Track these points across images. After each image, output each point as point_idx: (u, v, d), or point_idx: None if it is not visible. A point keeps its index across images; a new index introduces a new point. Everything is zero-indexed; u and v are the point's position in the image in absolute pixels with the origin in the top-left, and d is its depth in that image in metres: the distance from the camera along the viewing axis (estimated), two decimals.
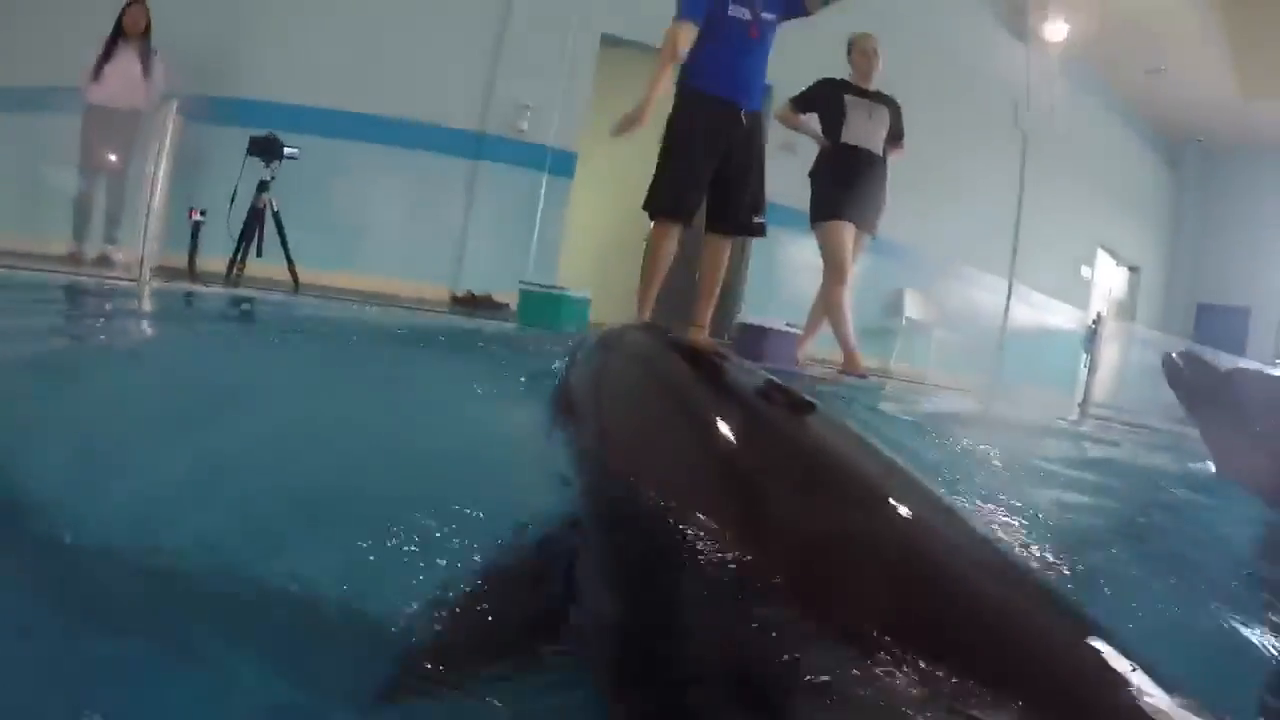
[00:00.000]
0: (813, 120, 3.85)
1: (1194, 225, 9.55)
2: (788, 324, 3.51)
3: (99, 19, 4.47)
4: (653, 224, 3.12)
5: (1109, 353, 6.20)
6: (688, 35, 2.94)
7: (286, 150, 4.26)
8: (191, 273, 4.21)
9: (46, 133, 4.61)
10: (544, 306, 3.54)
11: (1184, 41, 7.78)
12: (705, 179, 3.04)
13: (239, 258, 4.23)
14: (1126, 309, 8.83)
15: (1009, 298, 6.61)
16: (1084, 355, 6.35)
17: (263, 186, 4.25)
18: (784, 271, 5.10)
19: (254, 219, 4.24)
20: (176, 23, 4.66)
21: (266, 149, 4.23)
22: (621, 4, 5.38)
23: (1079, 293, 8.14)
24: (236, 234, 4.18)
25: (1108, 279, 8.66)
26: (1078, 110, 7.93)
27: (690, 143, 3.03)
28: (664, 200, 3.04)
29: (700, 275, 3.25)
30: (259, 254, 4.26)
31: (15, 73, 4.80)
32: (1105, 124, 8.42)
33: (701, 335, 3.24)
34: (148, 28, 4.53)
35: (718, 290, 3.28)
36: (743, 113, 3.05)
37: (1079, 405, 6.30)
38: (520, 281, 3.85)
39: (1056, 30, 7.56)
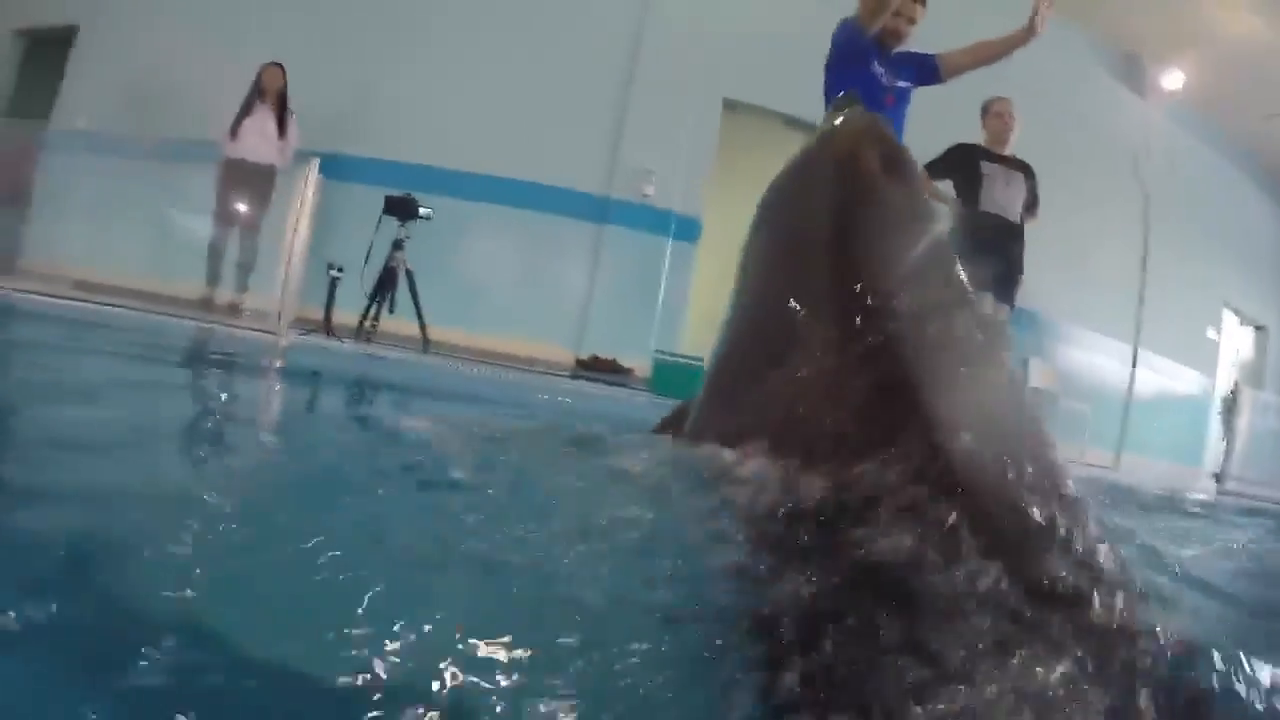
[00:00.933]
0: (947, 187, 3.75)
1: None
2: None
3: (239, 76, 4.78)
4: None
5: (1243, 422, 5.88)
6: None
7: (421, 210, 4.41)
8: (328, 327, 4.37)
9: (183, 182, 4.95)
10: (679, 376, 3.56)
11: None
12: None
13: (372, 313, 4.38)
14: (1254, 371, 8.35)
15: (1134, 364, 6.36)
16: (1220, 425, 6.04)
17: (397, 245, 4.40)
18: None
19: (388, 277, 4.38)
20: (313, 83, 4.94)
21: (402, 209, 4.39)
22: (742, 69, 5.47)
23: (1205, 355, 7.74)
24: (369, 290, 4.33)
25: (1234, 340, 8.22)
26: (1197, 162, 7.64)
27: None
28: None
29: None
30: (391, 311, 4.41)
31: (157, 124, 5.19)
32: (1225, 175, 8.07)
33: None
34: (284, 87, 4.80)
35: None
36: None
37: (1215, 478, 5.96)
38: (656, 351, 3.89)
39: (1172, 79, 7.34)
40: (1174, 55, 7.19)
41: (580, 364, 5.11)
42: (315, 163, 4.96)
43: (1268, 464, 6.26)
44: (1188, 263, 7.18)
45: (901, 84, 3.01)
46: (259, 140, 4.74)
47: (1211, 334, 7.82)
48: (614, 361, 5.05)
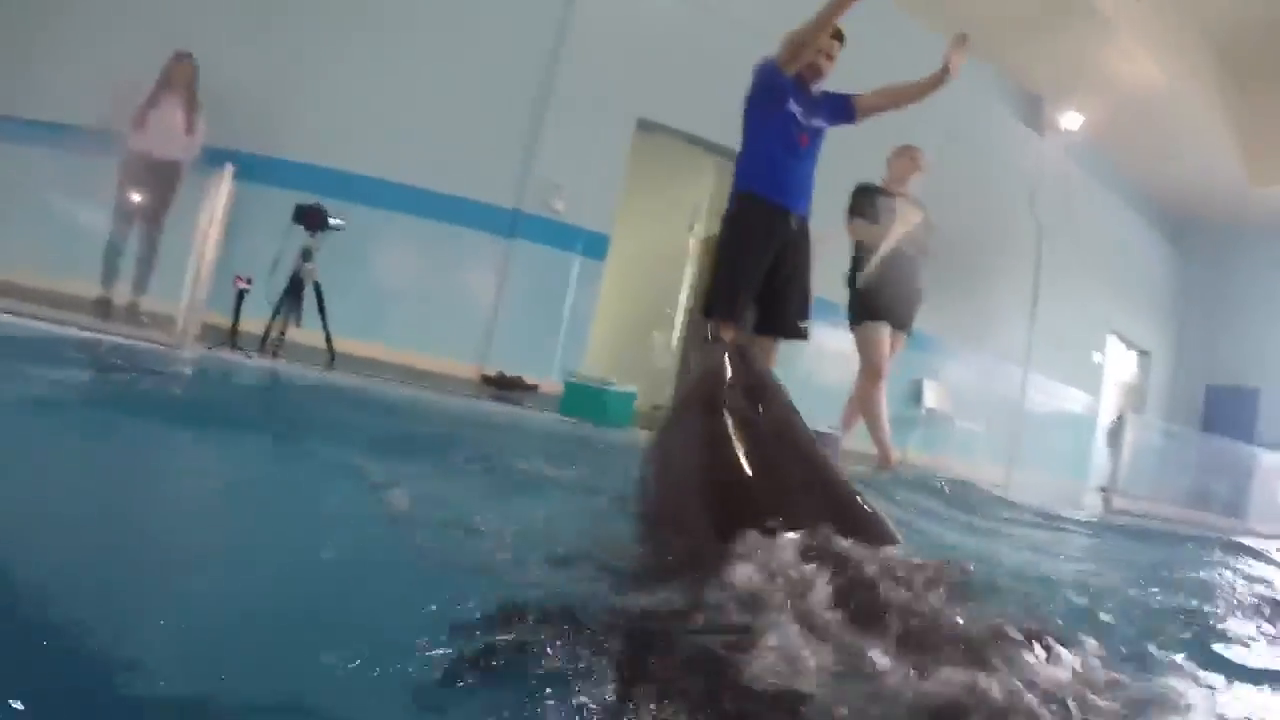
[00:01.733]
0: (883, 227, 3.87)
1: (1202, 309, 9.70)
2: (829, 426, 3.57)
3: (147, 62, 4.53)
4: (708, 325, 3.15)
5: (1128, 445, 6.29)
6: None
7: (332, 221, 4.25)
8: (234, 340, 4.20)
9: (81, 172, 4.63)
10: (590, 400, 3.57)
11: (1192, 129, 8.01)
12: (758, 282, 3.10)
13: (278, 326, 4.19)
14: (1137, 393, 8.92)
15: (1024, 386, 6.71)
16: (1107, 448, 6.44)
17: (306, 255, 4.22)
18: (810, 363, 5.18)
19: (296, 288, 4.21)
20: (224, 76, 4.73)
21: (312, 218, 4.22)
22: (657, 90, 5.54)
23: (1091, 377, 8.23)
24: (275, 301, 4.15)
25: (1119, 364, 8.76)
26: (1090, 198, 8.14)
27: (744, 246, 3.10)
28: (721, 303, 3.10)
29: None
30: (298, 323, 4.26)
31: (55, 108, 4.87)
32: (1115, 210, 8.62)
33: None
34: (194, 80, 4.58)
35: None
36: (793, 217, 3.12)
37: (1101, 490, 6.36)
38: (567, 373, 3.89)
39: (1070, 120, 7.80)
40: (1073, 97, 7.65)
41: (486, 380, 5.07)
42: (229, 170, 4.80)
43: (1150, 479, 6.74)
44: (1077, 291, 7.64)
45: (817, 123, 3.16)
46: (165, 135, 4.47)
47: (1097, 358, 8.32)
48: (520, 379, 5.03)
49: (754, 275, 3.09)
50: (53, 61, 4.97)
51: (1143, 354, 9.21)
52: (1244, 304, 9.48)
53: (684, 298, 5.66)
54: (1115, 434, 5.92)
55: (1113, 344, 8.65)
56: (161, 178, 4.50)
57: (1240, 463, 7.72)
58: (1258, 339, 9.35)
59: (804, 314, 3.23)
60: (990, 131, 7.06)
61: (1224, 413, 9.08)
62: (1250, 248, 9.51)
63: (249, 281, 4.23)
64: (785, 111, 3.08)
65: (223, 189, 4.70)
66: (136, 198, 4.47)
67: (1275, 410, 9.18)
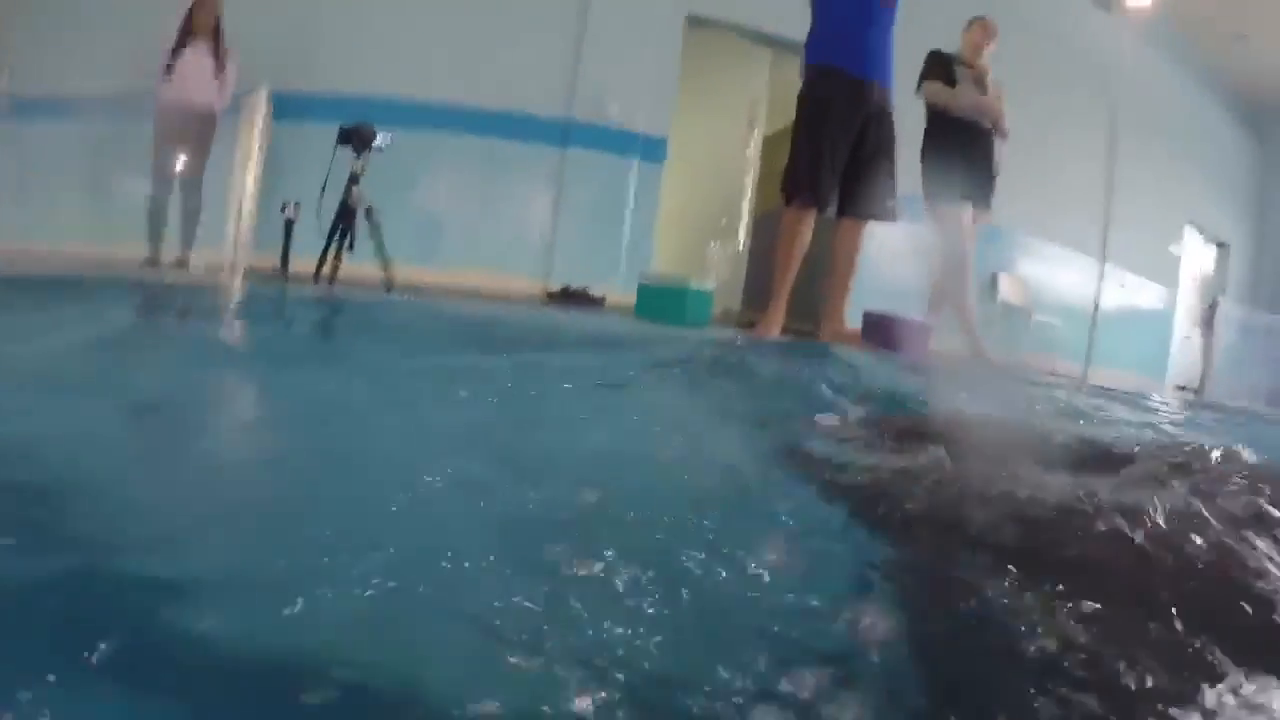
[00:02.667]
0: (963, 92, 3.66)
1: None
2: (919, 316, 3.42)
3: (168, 22, 4.40)
4: (786, 208, 3.01)
5: (1219, 337, 6.00)
6: None
7: (378, 139, 4.11)
8: (284, 273, 4.14)
9: (116, 140, 4.60)
10: (667, 300, 3.43)
11: (1269, 3, 7.41)
12: (841, 159, 2.91)
13: (332, 255, 4.09)
14: (1214, 285, 8.50)
15: (1101, 279, 6.40)
16: (1194, 339, 6.11)
17: (354, 179, 4.09)
18: (882, 256, 5.00)
19: (345, 214, 4.09)
20: (248, 17, 4.60)
21: (357, 138, 4.08)
22: None
23: (1168, 270, 7.86)
24: (325, 229, 4.05)
25: (1196, 255, 8.34)
26: (1164, 80, 7.62)
27: (824, 121, 2.89)
28: (800, 183, 2.92)
29: (834, 264, 3.12)
30: (351, 249, 4.12)
31: (86, 79, 4.80)
32: (1191, 94, 8.07)
33: (842, 328, 3.12)
34: (219, 21, 4.43)
35: (853, 280, 3.14)
36: (875, 87, 2.91)
37: (1193, 390, 6.08)
38: (641, 274, 3.77)
39: None
40: None
41: (550, 295, 5.02)
42: (264, 93, 4.71)
43: (1235, 377, 6.44)
44: (1153, 180, 7.22)
45: None
46: (195, 81, 4.35)
47: (1175, 250, 7.93)
48: (585, 291, 4.96)
49: (836, 153, 2.89)
50: (76, 34, 4.87)
51: (1221, 246, 8.74)
52: None
53: (748, 199, 5.48)
54: (1208, 323, 5.58)
55: (1190, 235, 8.21)
56: (195, 126, 4.41)
57: None
58: None
59: (891, 192, 3.03)
60: (1057, 10, 6.61)
61: None
62: None
63: (296, 207, 4.17)
64: None
65: (260, 113, 4.63)
66: (173, 150, 4.38)
67: None
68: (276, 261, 4.16)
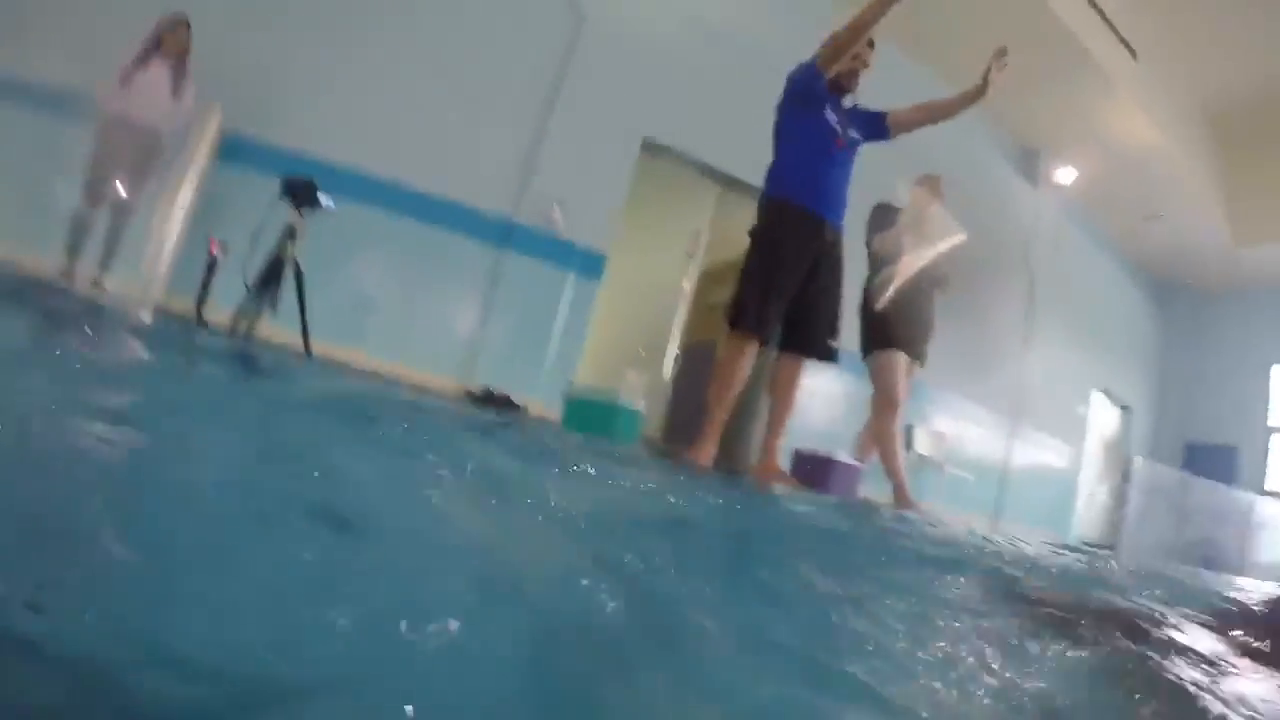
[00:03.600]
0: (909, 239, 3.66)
1: (1182, 367, 9.83)
2: (849, 457, 3.36)
3: (134, 25, 4.20)
4: (729, 335, 2.96)
5: (1133, 494, 6.24)
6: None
7: (323, 199, 3.91)
8: (199, 316, 3.84)
9: (55, 137, 4.25)
10: (598, 414, 3.25)
11: (1180, 191, 8.15)
12: (789, 294, 2.90)
13: (251, 310, 3.78)
14: (1118, 447, 8.94)
15: (1013, 436, 6.66)
16: (1108, 496, 6.31)
17: (290, 234, 3.84)
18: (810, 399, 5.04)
19: (275, 269, 3.81)
20: (215, 48, 4.41)
21: (303, 193, 3.86)
22: (665, 111, 5.45)
23: (1075, 430, 8.23)
24: (253, 282, 3.75)
25: (1102, 418, 8.80)
26: (1080, 253, 8.21)
27: (779, 253, 2.90)
28: (747, 311, 2.88)
29: (772, 401, 3.06)
30: (274, 310, 3.82)
31: (37, 67, 4.49)
32: (1104, 267, 8.72)
33: (774, 464, 3.04)
34: (187, 48, 4.25)
35: (790, 417, 3.07)
36: (828, 227, 2.94)
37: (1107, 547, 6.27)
38: (570, 386, 3.63)
39: (1065, 175, 7.89)
40: (1069, 153, 7.74)
41: (471, 396, 4.86)
42: (214, 123, 4.49)
43: (1142, 533, 6.70)
44: (1065, 345, 7.65)
45: (852, 134, 3.01)
46: (149, 99, 4.11)
47: (1081, 411, 8.34)
48: (507, 397, 4.82)
49: (786, 286, 2.88)
50: (45, 17, 4.63)
51: (1125, 409, 9.26)
52: (1223, 363, 9.63)
53: (678, 330, 5.48)
54: (1124, 481, 5.79)
55: (1097, 399, 8.68)
56: (141, 147, 4.13)
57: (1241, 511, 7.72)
58: (1236, 397, 9.49)
59: (834, 333, 3.02)
60: (988, 181, 7.09)
61: (1203, 469, 9.14)
62: (1230, 309, 9.69)
63: (224, 249, 3.88)
64: (821, 116, 2.95)
65: (202, 145, 4.40)
66: (112, 167, 4.08)
67: (1254, 467, 9.29)
68: (193, 302, 3.88)
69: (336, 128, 4.86)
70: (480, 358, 4.97)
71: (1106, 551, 6.27)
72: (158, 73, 4.19)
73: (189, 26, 4.29)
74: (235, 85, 4.57)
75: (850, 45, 2.89)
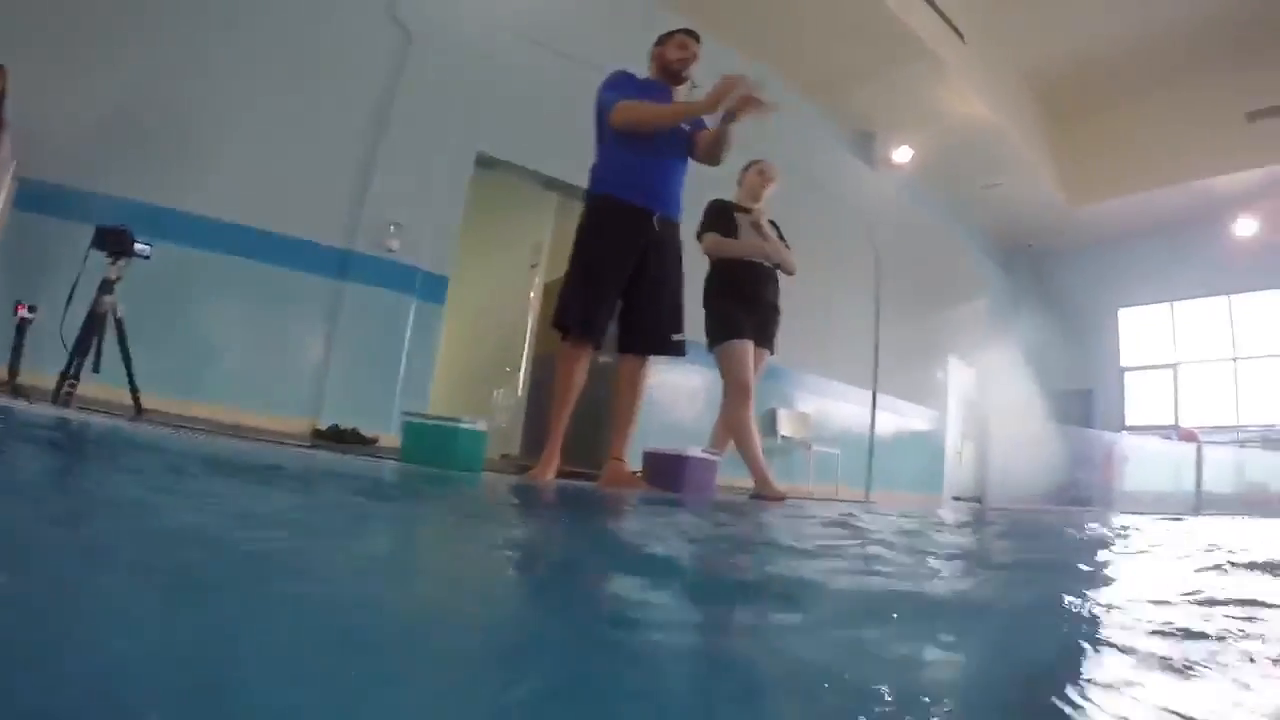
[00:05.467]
0: (744, 238, 3.72)
1: (1033, 322, 10.64)
2: (704, 450, 3.29)
3: None
4: (560, 344, 2.88)
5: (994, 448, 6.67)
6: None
7: (138, 246, 3.68)
8: (12, 385, 3.51)
9: None
10: (435, 441, 3.13)
11: (1015, 160, 8.80)
12: (615, 291, 2.83)
13: (72, 371, 3.50)
14: (978, 405, 9.58)
15: (874, 407, 7.00)
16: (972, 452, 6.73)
17: (106, 287, 3.61)
18: (663, 395, 5.13)
19: (93, 325, 3.56)
20: (36, 94, 4.10)
21: (115, 242, 3.63)
22: (497, 125, 5.41)
23: (936, 395, 8.75)
24: (71, 343, 3.49)
25: (960, 379, 9.38)
26: (923, 225, 8.72)
27: (597, 250, 2.82)
28: (571, 315, 2.81)
29: (616, 402, 2.99)
30: (95, 369, 3.56)
31: None
32: (948, 236, 9.31)
33: (621, 469, 2.96)
34: (2, 95, 3.88)
35: (637, 417, 3.01)
36: (655, 218, 2.88)
37: (975, 499, 6.68)
38: (404, 412, 3.50)
39: (901, 154, 8.37)
40: (905, 133, 8.22)
41: (319, 434, 4.67)
42: (9, 170, 4.12)
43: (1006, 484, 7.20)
44: (917, 314, 8.12)
45: (683, 125, 2.98)
46: None
47: (939, 375, 8.88)
48: (355, 431, 4.67)
49: (608, 285, 2.81)
50: None
51: (982, 369, 9.93)
52: (1071, 315, 10.51)
53: (527, 343, 5.45)
54: (983, 437, 6.21)
55: (953, 362, 9.25)
56: None
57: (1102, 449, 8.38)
58: (1086, 345, 10.37)
59: (676, 325, 2.95)
60: (826, 166, 7.42)
61: (1063, 414, 9.93)
62: (1072, 264, 10.57)
63: (32, 310, 3.60)
64: (642, 98, 2.90)
65: (3, 181, 4.05)
66: None
67: (1110, 406, 10.17)
68: (3, 370, 3.54)
69: (156, 170, 4.56)
70: (328, 394, 4.78)
71: (974, 503, 6.72)
72: None
73: (3, 71, 3.90)
74: (42, 129, 4.21)
75: (646, 129, 2.88)
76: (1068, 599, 0.91)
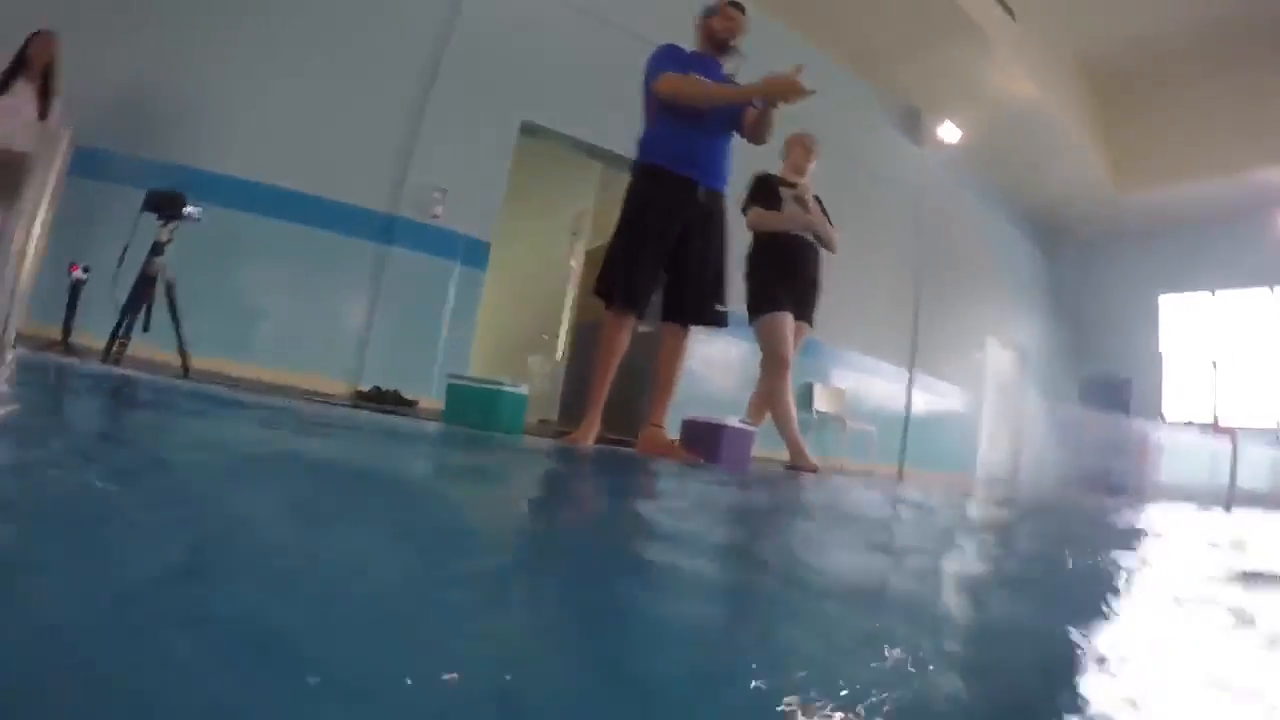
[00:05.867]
0: (788, 212, 3.71)
1: (1072, 308, 10.42)
2: (740, 420, 3.30)
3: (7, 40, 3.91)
4: (605, 312, 2.90)
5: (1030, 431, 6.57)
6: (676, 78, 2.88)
7: (188, 209, 3.77)
8: (65, 344, 3.57)
9: None
10: (478, 403, 3.18)
11: (1062, 143, 8.57)
12: (659, 261, 2.84)
13: (122, 331, 3.61)
14: (1015, 388, 9.44)
15: (910, 386, 6.93)
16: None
17: (157, 249, 3.69)
18: (701, 366, 5.13)
19: (144, 286, 3.66)
20: (76, 59, 4.13)
21: (166, 205, 3.72)
22: (543, 93, 5.40)
23: (972, 375, 8.64)
24: (122, 301, 3.60)
25: (997, 361, 9.24)
26: (966, 205, 8.55)
27: (642, 220, 2.83)
28: (616, 286, 2.83)
29: (657, 370, 3.01)
30: (146, 329, 3.67)
31: None
32: (990, 217, 9.12)
33: (660, 435, 2.98)
34: (53, 63, 3.96)
35: (677, 386, 3.03)
36: (700, 189, 2.89)
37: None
38: (449, 375, 3.56)
39: (949, 132, 8.19)
40: (952, 112, 8.03)
41: (360, 395, 4.76)
42: (66, 134, 4.22)
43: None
44: (957, 295, 7.99)
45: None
46: (12, 119, 3.84)
47: (977, 356, 8.76)
48: (397, 393, 4.75)
49: (654, 254, 2.81)
50: None
51: (1019, 352, 9.77)
52: (1111, 301, 10.27)
53: (569, 310, 5.49)
54: (1020, 419, 6.11)
55: (991, 344, 9.12)
56: (6, 172, 3.75)
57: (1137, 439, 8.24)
58: (1125, 332, 10.14)
59: (719, 297, 2.94)
60: (872, 142, 7.30)
61: (1099, 402, 9.74)
62: (1114, 250, 10.30)
63: (86, 271, 3.70)
64: (691, 70, 2.91)
65: (55, 158, 4.16)
66: None
67: (1151, 395, 9.96)
68: (59, 330, 3.67)
69: (203, 134, 4.65)
70: (370, 357, 4.86)
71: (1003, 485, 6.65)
72: (23, 94, 3.92)
73: (54, 40, 3.99)
74: (94, 97, 4.32)
75: (688, 103, 2.88)
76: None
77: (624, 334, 2.88)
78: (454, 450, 1.85)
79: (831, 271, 4.12)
